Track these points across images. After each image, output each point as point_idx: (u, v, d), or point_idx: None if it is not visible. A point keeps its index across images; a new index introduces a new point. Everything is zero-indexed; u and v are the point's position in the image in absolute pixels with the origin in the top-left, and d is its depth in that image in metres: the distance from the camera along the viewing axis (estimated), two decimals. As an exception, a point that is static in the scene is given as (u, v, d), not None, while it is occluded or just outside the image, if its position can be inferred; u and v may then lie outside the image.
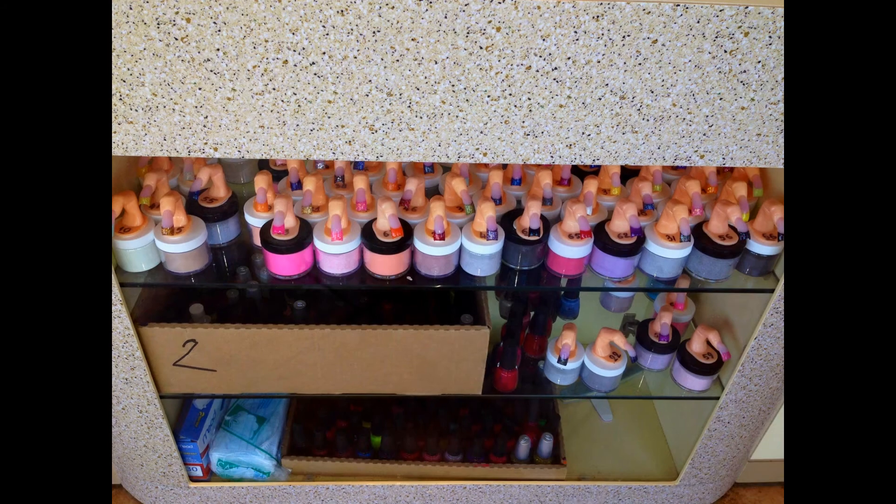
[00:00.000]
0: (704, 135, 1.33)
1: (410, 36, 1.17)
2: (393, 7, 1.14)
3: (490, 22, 1.15)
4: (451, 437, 2.23)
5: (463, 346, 1.78)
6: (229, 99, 1.25)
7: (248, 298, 1.98)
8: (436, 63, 1.21)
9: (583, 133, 1.31)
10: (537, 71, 1.22)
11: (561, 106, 1.27)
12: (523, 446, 2.21)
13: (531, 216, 1.58)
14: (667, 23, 1.17)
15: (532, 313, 2.09)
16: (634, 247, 1.63)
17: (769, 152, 1.36)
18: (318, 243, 1.60)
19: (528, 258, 1.67)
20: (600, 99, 1.27)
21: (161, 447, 2.02)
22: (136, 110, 1.26)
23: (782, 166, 1.39)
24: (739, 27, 1.18)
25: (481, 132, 1.30)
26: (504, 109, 1.27)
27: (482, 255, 1.61)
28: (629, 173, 1.85)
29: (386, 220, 1.57)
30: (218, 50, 1.18)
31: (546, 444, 2.23)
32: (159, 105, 1.25)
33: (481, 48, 1.19)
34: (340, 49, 1.18)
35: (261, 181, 1.63)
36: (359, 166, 1.77)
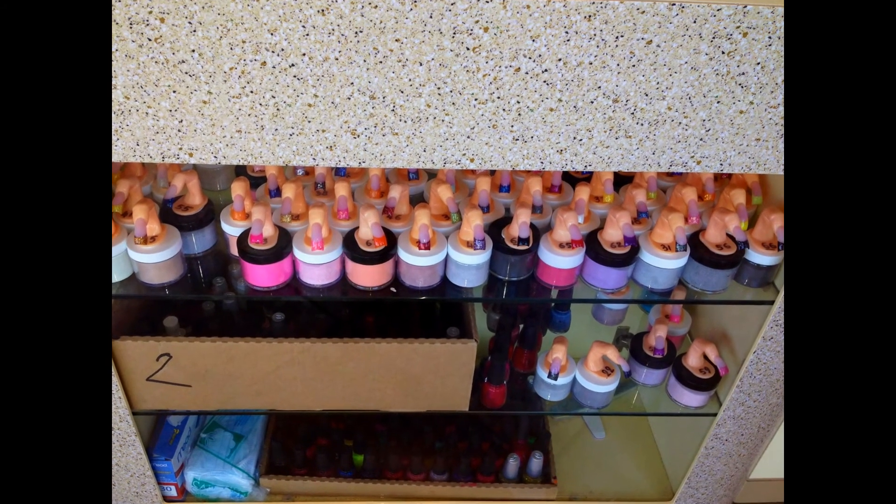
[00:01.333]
0: (701, 140, 1.33)
1: (394, 36, 1.17)
2: (376, 6, 1.13)
3: (477, 22, 1.15)
4: (436, 456, 2.22)
5: (449, 361, 1.78)
6: (205, 102, 1.24)
7: (225, 311, 1.97)
8: (421, 65, 1.20)
9: (574, 138, 1.31)
10: (527, 73, 1.22)
11: (551, 109, 1.27)
12: (512, 465, 2.21)
13: (520, 225, 1.58)
14: (662, 23, 1.17)
15: (521, 326, 2.09)
16: (628, 257, 1.62)
17: (769, 158, 1.36)
18: (297, 253, 1.59)
19: (517, 268, 1.66)
20: (592, 102, 1.26)
21: (134, 466, 2.01)
22: (107, 114, 1.25)
23: (782, 173, 1.39)
24: (738, 27, 1.18)
25: (468, 137, 1.30)
26: (492, 113, 1.27)
27: (469, 265, 1.61)
28: (622, 180, 1.84)
29: (368, 229, 1.56)
30: (193, 51, 1.18)
31: (536, 463, 2.22)
32: (132, 108, 1.25)
33: (468, 49, 1.18)
34: (321, 50, 1.18)
35: (238, 188, 1.62)
36: (340, 173, 1.76)
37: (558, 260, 1.62)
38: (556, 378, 1.91)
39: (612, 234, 1.62)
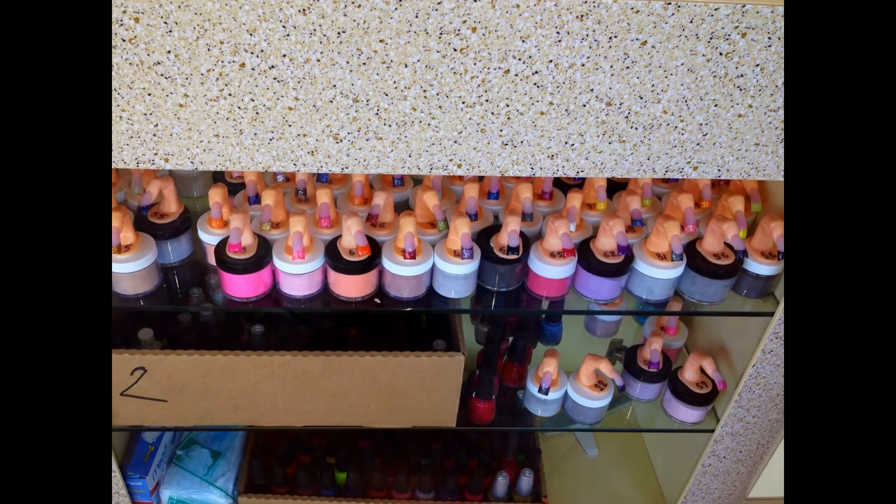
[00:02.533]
0: (698, 144, 1.33)
1: (378, 37, 1.16)
2: (359, 6, 1.13)
3: (465, 22, 1.15)
4: (422, 474, 2.21)
5: (435, 375, 1.77)
6: (181, 106, 1.24)
7: (202, 322, 1.96)
8: (406, 66, 1.20)
9: (566, 143, 1.31)
10: (516, 75, 1.22)
11: (542, 113, 1.27)
12: (501, 483, 2.20)
13: (510, 233, 1.58)
14: (657, 23, 1.17)
15: (510, 339, 2.08)
16: (622, 266, 1.62)
17: (768, 163, 1.36)
18: (277, 263, 1.58)
19: (507, 279, 1.66)
20: (585, 105, 1.26)
21: (106, 485, 2.00)
22: (79, 117, 1.25)
23: (782, 179, 1.39)
24: (736, 27, 1.18)
25: (455, 142, 1.30)
26: (480, 117, 1.27)
27: (456, 275, 1.60)
28: (616, 186, 1.84)
29: (351, 238, 1.56)
30: (169, 52, 1.17)
31: (526, 481, 2.22)
32: (104, 111, 1.24)
33: (455, 50, 1.18)
34: (302, 51, 1.17)
35: (215, 195, 1.61)
36: (322, 179, 1.76)
37: (549, 270, 1.62)
38: (546, 393, 1.91)
39: (606, 242, 1.62)
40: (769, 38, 1.19)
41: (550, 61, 1.20)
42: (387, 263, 1.59)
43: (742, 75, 1.24)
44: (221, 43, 1.16)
